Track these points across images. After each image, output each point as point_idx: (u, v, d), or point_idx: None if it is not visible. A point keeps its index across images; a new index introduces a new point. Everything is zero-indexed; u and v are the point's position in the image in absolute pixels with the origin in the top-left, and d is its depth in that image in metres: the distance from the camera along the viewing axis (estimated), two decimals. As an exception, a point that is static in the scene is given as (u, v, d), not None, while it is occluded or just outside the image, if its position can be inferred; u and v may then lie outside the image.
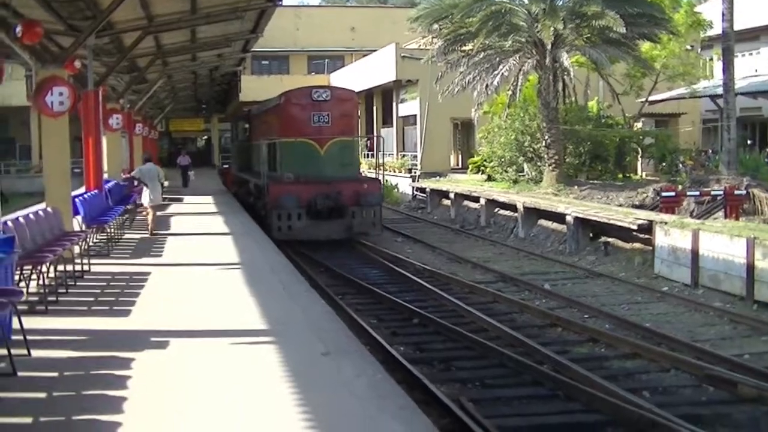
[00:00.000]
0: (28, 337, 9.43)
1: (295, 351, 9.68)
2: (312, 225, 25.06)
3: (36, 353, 9.39)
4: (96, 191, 20.40)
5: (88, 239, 16.96)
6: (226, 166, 55.13)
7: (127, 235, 21.99)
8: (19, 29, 14.82)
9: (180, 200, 33.24)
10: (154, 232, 22.12)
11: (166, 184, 23.95)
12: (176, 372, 8.96)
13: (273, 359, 9.30)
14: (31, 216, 13.87)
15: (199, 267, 16.41)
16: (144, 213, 23.45)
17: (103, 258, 17.48)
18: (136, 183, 24.86)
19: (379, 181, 28.03)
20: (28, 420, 7.43)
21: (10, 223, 12.18)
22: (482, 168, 42.19)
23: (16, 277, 11.21)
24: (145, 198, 22.40)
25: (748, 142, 46.86)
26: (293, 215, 24.79)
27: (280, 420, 7.37)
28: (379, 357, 11.26)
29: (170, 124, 73.78)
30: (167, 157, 64.72)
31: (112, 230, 20.27)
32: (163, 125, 67.85)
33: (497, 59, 34.20)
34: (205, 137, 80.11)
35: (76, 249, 15.60)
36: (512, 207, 30.46)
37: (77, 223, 18.04)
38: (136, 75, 29.12)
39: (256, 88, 57.68)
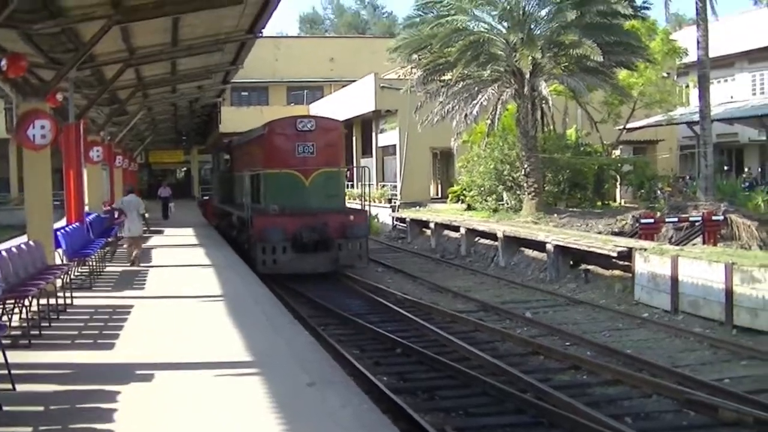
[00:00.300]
0: (12, 372, 9.43)
1: (280, 382, 9.72)
2: (297, 258, 24.38)
3: (21, 387, 9.39)
4: (77, 224, 20.40)
5: (70, 272, 16.94)
6: (206, 197, 55.11)
7: (108, 268, 21.95)
8: (3, 63, 14.88)
9: (161, 232, 33.16)
10: (136, 263, 22.18)
11: (147, 215, 23.87)
12: (162, 404, 8.98)
13: (258, 390, 9.33)
14: (14, 249, 13.86)
15: (182, 299, 16.42)
16: (124, 245, 23.49)
17: (85, 291, 17.50)
18: (117, 215, 24.92)
19: (366, 212, 27.16)
20: (16, 455, 7.45)
21: (-7, 258, 12.20)
22: (462, 197, 42.38)
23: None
24: (125, 229, 22.65)
25: (725, 167, 47.29)
26: (278, 248, 24.14)
27: (266, 451, 7.42)
28: (363, 387, 11.28)
29: (150, 156, 73.77)
30: (147, 189, 64.68)
31: (94, 263, 20.23)
32: (142, 157, 67.82)
33: (476, 89, 34.52)
34: (185, 169, 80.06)
35: (59, 282, 15.57)
36: (492, 236, 30.54)
37: (59, 257, 18.03)
38: (116, 107, 29.16)
39: (235, 119, 57.85)
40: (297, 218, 24.73)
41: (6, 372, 9.32)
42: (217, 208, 38.41)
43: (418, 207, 43.71)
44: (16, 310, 12.14)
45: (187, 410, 8.73)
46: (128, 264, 22.24)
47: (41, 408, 8.81)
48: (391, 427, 8.33)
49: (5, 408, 8.57)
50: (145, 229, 24.34)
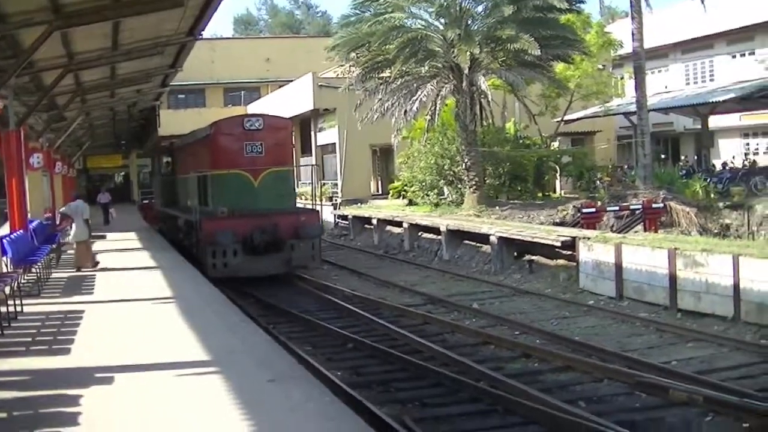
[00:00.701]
0: (-30, 380, 9.44)
1: (240, 379, 9.81)
2: (249, 260, 23.52)
3: (-20, 395, 9.40)
4: (22, 231, 20.28)
5: (18, 280, 16.84)
6: (146, 201, 54.77)
7: (54, 274, 21.82)
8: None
9: (103, 237, 32.86)
10: (87, 266, 22.42)
11: (89, 221, 23.78)
12: (126, 405, 9.03)
13: (220, 388, 9.43)
14: (-37, 259, 13.82)
15: (133, 302, 16.42)
16: (70, 251, 23.48)
17: (33, 298, 17.36)
18: (58, 221, 24.87)
19: (317, 212, 26.14)
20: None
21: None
22: (403, 193, 42.55)
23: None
24: (71, 234, 23.05)
25: (662, 156, 48.10)
26: (229, 251, 23.25)
27: (237, 446, 7.52)
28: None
29: (88, 161, 73.07)
30: (86, 195, 64.08)
31: (40, 270, 20.11)
32: (80, 163, 67.13)
33: (415, 85, 34.68)
34: (123, 173, 79.44)
35: (7, 290, 15.49)
36: (435, 230, 30.74)
37: (4, 264, 17.93)
38: (55, 113, 28.94)
39: (174, 122, 57.55)
40: (247, 220, 23.86)
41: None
42: (160, 212, 37.62)
43: (359, 204, 43.78)
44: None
45: (152, 410, 8.79)
46: (74, 270, 22.32)
47: (4, 414, 8.82)
48: (354, 417, 8.47)
49: (-32, 415, 8.59)
50: (93, 234, 24.24)
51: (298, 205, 30.02)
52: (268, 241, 23.65)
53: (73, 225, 22.97)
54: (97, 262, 23.02)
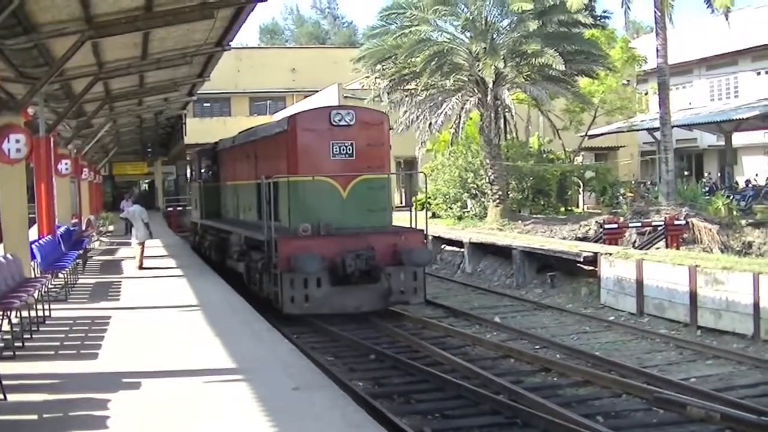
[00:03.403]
0: (2, 382, 9.63)
1: (267, 387, 10.02)
2: (336, 293, 19.05)
3: (12, 397, 9.61)
4: (50, 237, 20.54)
5: (46, 284, 17.08)
6: (170, 209, 55.12)
7: (81, 280, 22.09)
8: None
9: (128, 244, 33.08)
10: (142, 267, 24.17)
11: (148, 223, 24.69)
12: (154, 410, 9.23)
13: (247, 395, 9.64)
14: (-6, 263, 14.04)
15: (160, 309, 16.67)
16: (132, 250, 25.35)
17: (61, 303, 17.61)
18: (84, 227, 25.31)
19: (422, 231, 20.75)
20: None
21: (-23, 271, 12.39)
22: (426, 205, 42.64)
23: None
24: (133, 236, 24.87)
25: (685, 173, 48.15)
26: (311, 281, 18.78)
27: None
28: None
29: (114, 168, 73.40)
30: (112, 201, 64.42)
31: (68, 275, 20.36)
32: (106, 169, 67.49)
33: (440, 98, 34.84)
34: (148, 181, 79.75)
35: (36, 294, 15.72)
36: (458, 243, 30.85)
37: (33, 269, 18.17)
38: (83, 120, 29.24)
39: (200, 130, 57.73)
40: (336, 240, 19.23)
41: (-4, 383, 9.52)
42: (197, 224, 32.19)
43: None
44: (-2, 322, 12.37)
45: (181, 415, 9.01)
46: (137, 268, 24.18)
47: (35, 416, 9.04)
48: (378, 427, 8.63)
49: (0, 417, 8.78)
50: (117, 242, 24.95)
51: None
52: (362, 269, 19.08)
53: (133, 229, 24.84)
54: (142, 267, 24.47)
